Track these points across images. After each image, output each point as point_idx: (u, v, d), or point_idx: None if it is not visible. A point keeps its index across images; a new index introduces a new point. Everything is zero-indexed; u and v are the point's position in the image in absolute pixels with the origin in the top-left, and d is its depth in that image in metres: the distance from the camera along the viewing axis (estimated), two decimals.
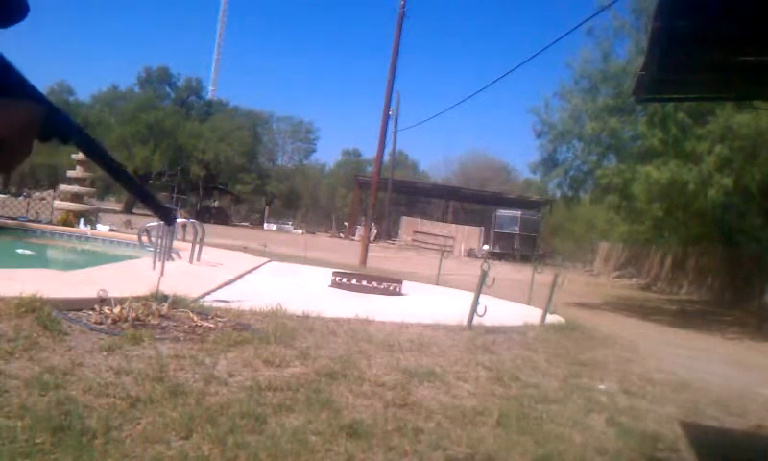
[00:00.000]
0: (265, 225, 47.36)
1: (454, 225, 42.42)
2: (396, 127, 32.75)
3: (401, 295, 9.87)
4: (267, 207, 53.26)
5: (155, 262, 8.03)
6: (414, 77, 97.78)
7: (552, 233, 41.17)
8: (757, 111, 10.07)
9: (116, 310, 4.89)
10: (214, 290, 7.35)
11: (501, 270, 15.31)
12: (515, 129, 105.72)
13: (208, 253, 11.42)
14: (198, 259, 10.33)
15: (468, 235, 39.68)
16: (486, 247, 37.08)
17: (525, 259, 32.28)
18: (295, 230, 45.98)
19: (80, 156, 14.89)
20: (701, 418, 4.66)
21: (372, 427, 3.27)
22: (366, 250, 18.26)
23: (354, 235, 38.37)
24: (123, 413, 2.98)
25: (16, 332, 4.00)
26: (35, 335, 4.04)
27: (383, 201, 37.63)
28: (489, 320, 7.12)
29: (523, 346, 6.45)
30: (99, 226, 15.53)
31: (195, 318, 5.25)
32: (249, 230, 38.91)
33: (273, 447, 2.81)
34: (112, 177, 0.67)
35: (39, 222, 15.40)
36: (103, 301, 4.97)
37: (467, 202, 50.58)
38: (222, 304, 6.20)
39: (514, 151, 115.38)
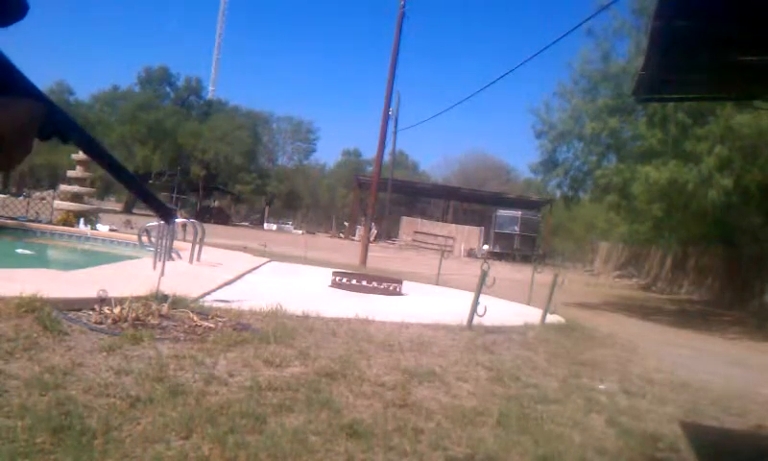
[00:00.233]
0: (265, 225, 47.40)
1: (454, 225, 42.43)
2: (396, 127, 32.74)
3: (401, 295, 9.87)
4: (267, 207, 53.29)
5: (155, 262, 8.03)
6: (414, 77, 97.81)
7: (552, 233, 41.19)
8: (758, 111, 10.06)
9: (116, 310, 4.89)
10: (214, 290, 7.35)
11: (501, 270, 15.31)
12: (515, 129, 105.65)
13: (208, 253, 11.42)
14: (198, 259, 10.33)
15: (468, 235, 39.68)
16: (486, 247, 37.08)
17: (525, 259, 32.30)
18: (295, 231, 46.02)
19: (80, 155, 14.93)
20: (701, 418, 4.65)
21: (372, 427, 3.27)
22: (366, 250, 18.26)
23: (354, 235, 38.39)
24: (123, 413, 2.98)
25: (16, 332, 4.00)
26: (35, 335, 4.05)
27: (383, 201, 37.61)
28: (489, 320, 7.12)
29: (523, 346, 6.45)
30: (99, 226, 15.52)
31: (195, 318, 5.25)
32: (249, 230, 38.93)
33: (273, 447, 2.81)
34: (113, 175, 0.67)
35: (39, 222, 15.39)
36: (103, 301, 4.97)
37: (467, 202, 50.57)
38: (222, 304, 6.20)
39: (514, 151, 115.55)
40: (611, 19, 13.84)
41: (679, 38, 3.25)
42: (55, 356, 3.74)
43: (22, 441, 2.52)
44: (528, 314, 8.76)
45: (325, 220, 56.94)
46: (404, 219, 42.97)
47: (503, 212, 38.79)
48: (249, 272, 10.41)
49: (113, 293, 5.15)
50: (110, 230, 15.60)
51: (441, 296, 10.95)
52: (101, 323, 4.70)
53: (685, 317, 14.31)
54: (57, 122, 0.62)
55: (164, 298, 5.62)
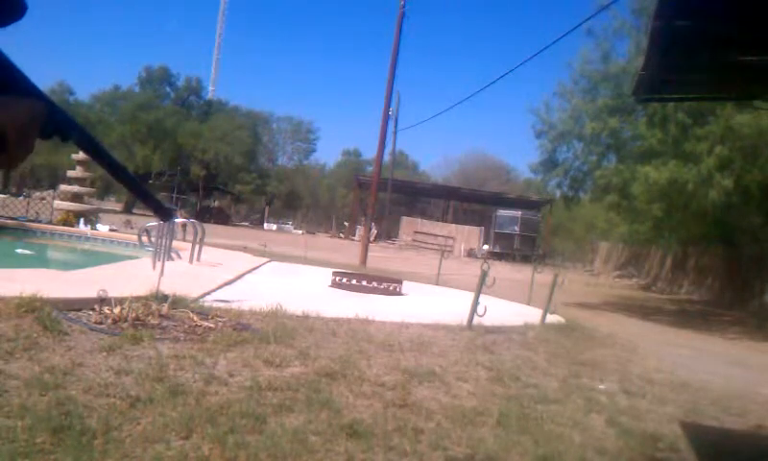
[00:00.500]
0: (265, 225, 47.40)
1: (454, 225, 42.42)
2: (395, 127, 32.76)
3: (401, 295, 9.86)
4: (267, 207, 53.29)
5: (155, 262, 8.02)
6: (414, 77, 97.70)
7: (552, 233, 41.18)
8: (758, 111, 10.06)
9: (116, 310, 4.89)
10: (214, 290, 7.35)
11: (501, 270, 15.31)
12: (515, 129, 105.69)
13: (208, 253, 11.42)
14: (198, 259, 10.33)
15: (468, 235, 39.68)
16: (486, 247, 37.09)
17: (525, 259, 32.30)
18: (295, 231, 46.02)
19: (80, 155, 14.94)
20: (701, 418, 4.65)
21: (372, 427, 3.27)
22: (366, 250, 18.26)
23: (354, 235, 38.39)
24: (123, 413, 2.98)
25: (16, 332, 4.00)
26: (35, 335, 4.04)
27: (383, 201, 37.61)
28: (489, 320, 7.12)
29: (523, 346, 6.45)
30: (99, 226, 15.52)
31: (195, 318, 5.25)
32: (249, 230, 38.93)
33: (273, 447, 2.81)
34: (112, 174, 0.67)
35: (39, 222, 15.38)
36: (103, 301, 4.97)
37: (466, 202, 50.57)
38: (222, 304, 6.20)
39: (514, 151, 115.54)
40: (611, 19, 13.86)
41: (679, 38, 3.25)
42: (55, 356, 3.74)
43: (22, 441, 2.52)
44: (528, 314, 8.76)
45: (325, 220, 56.94)
46: (404, 219, 42.98)
47: (503, 212, 38.79)
48: (249, 272, 10.41)
49: (113, 293, 5.15)
50: (110, 230, 15.60)
51: (441, 296, 10.95)
52: (101, 323, 4.70)
53: (685, 317, 14.31)
54: (57, 121, 0.62)
55: (164, 298, 5.62)
